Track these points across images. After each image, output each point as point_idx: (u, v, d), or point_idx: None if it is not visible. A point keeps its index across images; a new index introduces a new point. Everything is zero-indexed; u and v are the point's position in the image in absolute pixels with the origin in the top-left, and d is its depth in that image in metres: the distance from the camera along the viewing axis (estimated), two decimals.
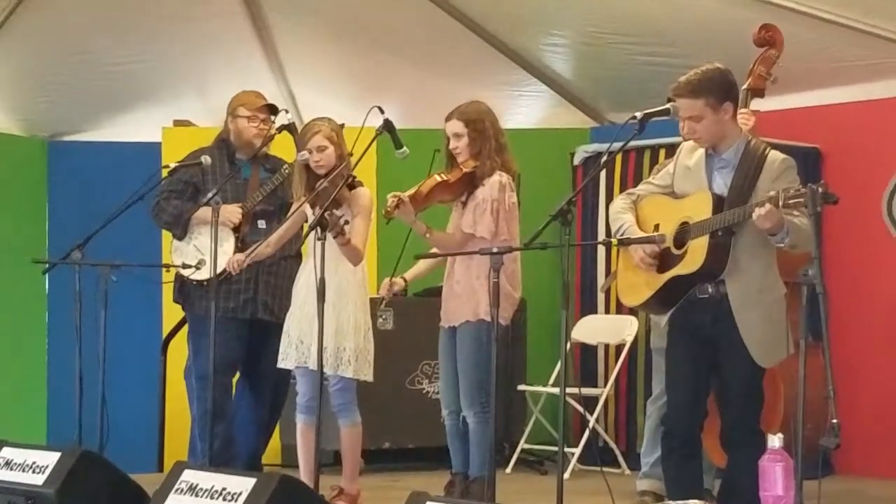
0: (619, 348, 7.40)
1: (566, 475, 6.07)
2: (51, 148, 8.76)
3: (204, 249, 5.99)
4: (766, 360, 4.63)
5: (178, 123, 8.20)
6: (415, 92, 8.33)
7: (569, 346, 5.53)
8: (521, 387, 7.50)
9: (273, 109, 6.35)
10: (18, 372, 8.46)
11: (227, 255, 5.92)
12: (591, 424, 7.05)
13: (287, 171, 6.03)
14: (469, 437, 5.60)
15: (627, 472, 7.09)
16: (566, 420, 7.31)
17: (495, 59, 8.04)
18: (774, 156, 4.61)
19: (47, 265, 6.50)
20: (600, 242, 7.65)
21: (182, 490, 4.47)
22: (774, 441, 3.79)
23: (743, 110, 5.29)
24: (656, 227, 4.75)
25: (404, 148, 5.49)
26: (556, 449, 4.70)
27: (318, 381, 5.09)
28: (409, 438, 7.35)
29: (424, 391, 7.37)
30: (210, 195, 6.02)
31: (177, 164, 6.18)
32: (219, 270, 5.76)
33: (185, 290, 6.26)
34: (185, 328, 6.53)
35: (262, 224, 6.19)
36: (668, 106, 4.69)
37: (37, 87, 8.33)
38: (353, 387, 5.55)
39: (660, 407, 5.60)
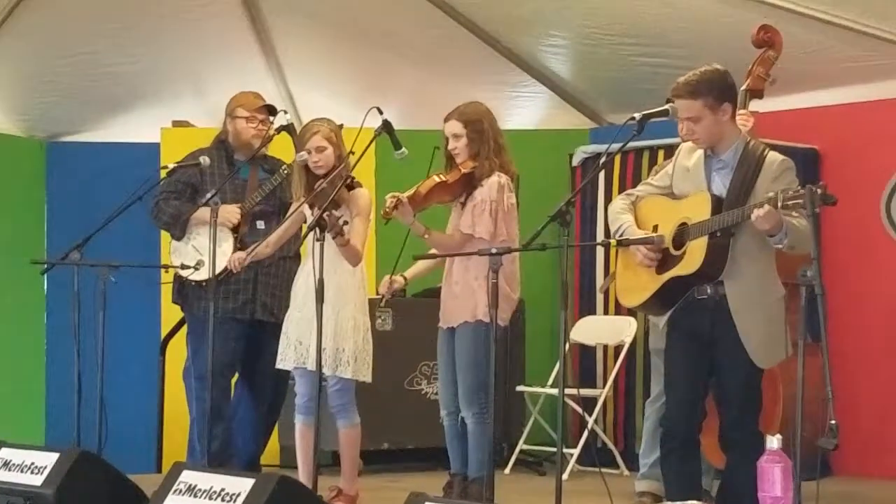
0: (617, 349, 7.40)
1: (565, 476, 6.08)
2: (49, 148, 8.76)
3: (203, 250, 5.99)
4: (764, 361, 4.63)
5: (176, 124, 8.20)
6: (414, 93, 8.33)
7: (567, 346, 5.53)
8: (520, 388, 7.50)
9: (272, 110, 6.35)
10: (17, 372, 8.46)
11: (225, 256, 5.92)
12: (589, 425, 7.04)
13: (286, 171, 6.03)
14: (468, 437, 5.60)
15: (626, 472, 7.09)
16: (565, 421, 7.31)
17: (494, 60, 8.04)
18: (773, 157, 4.62)
19: (46, 266, 6.50)
20: (599, 243, 7.65)
21: (181, 491, 4.46)
22: (773, 442, 3.80)
23: (742, 111, 5.29)
24: (655, 228, 4.76)
25: (403, 149, 5.49)
26: (554, 450, 4.71)
27: (317, 382, 5.09)
28: (407, 439, 7.35)
29: (423, 392, 7.36)
30: (209, 196, 6.03)
31: (175, 165, 6.19)
32: (219, 269, 5.78)
33: (184, 290, 6.26)
34: (184, 329, 6.53)
35: (260, 225, 6.19)
36: (666, 107, 4.70)
37: (35, 87, 8.32)
38: (352, 387, 5.55)
39: (658, 408, 5.59)
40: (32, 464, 4.90)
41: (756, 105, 5.64)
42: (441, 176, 5.65)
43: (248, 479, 4.34)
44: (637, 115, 4.63)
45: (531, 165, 7.13)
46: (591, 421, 7.07)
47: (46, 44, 7.88)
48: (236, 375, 6.36)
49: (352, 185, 5.50)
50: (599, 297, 7.76)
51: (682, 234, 4.64)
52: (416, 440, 7.31)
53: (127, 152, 8.33)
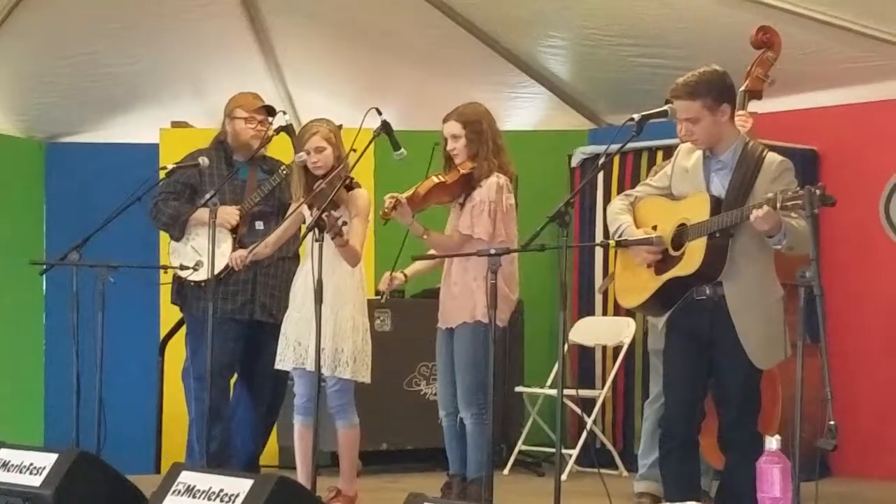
0: (616, 350, 7.40)
1: (563, 477, 6.07)
2: (48, 149, 8.76)
3: (202, 251, 5.99)
4: (763, 362, 4.63)
5: (175, 125, 8.19)
6: (413, 93, 8.33)
7: (566, 347, 5.52)
8: (519, 388, 7.50)
9: (270, 111, 6.34)
10: (16, 373, 8.46)
11: (224, 257, 5.92)
12: (588, 426, 7.04)
13: (285, 171, 6.03)
14: (466, 438, 5.60)
15: (625, 473, 7.09)
16: (563, 422, 7.26)
17: (493, 61, 8.04)
18: (772, 158, 4.62)
19: (45, 266, 6.49)
20: (598, 244, 7.66)
21: (179, 491, 4.47)
22: (772, 443, 3.80)
23: (740, 112, 5.29)
24: (654, 229, 4.76)
25: (402, 149, 5.49)
26: (553, 450, 4.71)
27: (316, 383, 5.09)
28: (406, 440, 7.35)
29: (422, 392, 7.36)
30: (208, 197, 6.02)
31: (174, 166, 6.19)
32: (219, 269, 5.78)
33: (183, 291, 6.26)
34: (183, 329, 6.53)
35: (259, 225, 6.19)
36: (665, 108, 4.70)
37: (35, 88, 8.32)
38: (351, 388, 5.55)
39: (657, 409, 5.59)
40: (31, 464, 4.90)
41: (755, 106, 5.64)
42: (440, 177, 5.65)
43: (246, 479, 4.34)
44: (636, 116, 4.63)
45: (530, 166, 7.14)
46: (589, 422, 7.07)
47: (46, 44, 7.88)
48: (235, 376, 6.36)
49: (351, 186, 5.51)
50: (598, 298, 7.76)
51: (681, 235, 4.64)
52: (415, 441, 7.31)
53: (126, 153, 8.33)
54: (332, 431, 5.64)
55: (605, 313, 7.71)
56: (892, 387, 7.03)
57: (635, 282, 4.82)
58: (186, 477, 4.51)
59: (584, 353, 7.75)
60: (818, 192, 4.05)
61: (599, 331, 7.49)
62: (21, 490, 4.84)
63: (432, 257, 5.71)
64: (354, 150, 5.41)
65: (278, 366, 5.63)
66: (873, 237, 7.22)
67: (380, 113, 5.38)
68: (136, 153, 8.16)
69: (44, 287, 8.42)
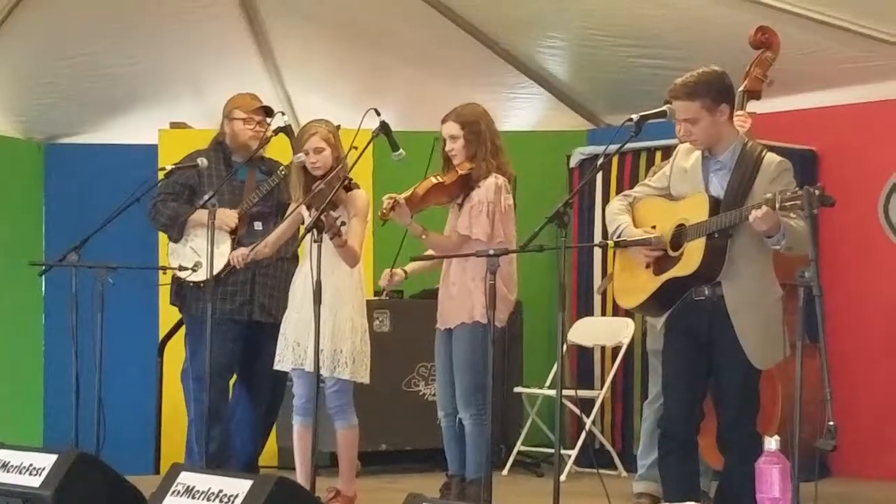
0: (615, 350, 7.40)
1: (562, 477, 6.07)
2: (47, 150, 8.75)
3: (200, 251, 5.99)
4: (762, 362, 4.63)
5: (174, 126, 8.19)
6: (411, 94, 8.33)
7: (565, 348, 5.51)
8: (518, 389, 7.49)
9: (269, 112, 6.34)
10: (15, 374, 8.45)
11: (223, 257, 5.92)
12: (587, 426, 7.04)
13: (283, 172, 6.03)
14: (465, 439, 5.60)
15: (624, 474, 7.08)
16: (562, 422, 7.26)
17: (492, 62, 8.05)
18: (771, 158, 4.62)
19: (44, 267, 6.49)
20: (597, 244, 7.65)
21: (179, 492, 4.47)
22: (771, 443, 3.80)
23: (739, 112, 5.29)
24: (653, 229, 4.76)
25: (400, 150, 5.50)
26: (552, 451, 4.72)
27: (315, 383, 5.09)
28: (405, 440, 7.35)
29: (421, 393, 7.36)
30: (206, 198, 6.02)
31: (173, 167, 6.19)
32: (219, 268, 5.78)
33: (182, 292, 6.26)
34: (182, 330, 6.53)
35: (258, 226, 6.19)
36: (664, 108, 4.70)
37: (34, 89, 8.32)
38: (350, 389, 5.56)
39: (656, 409, 5.60)
40: (31, 465, 4.90)
41: (753, 106, 5.64)
42: (438, 177, 5.65)
43: (246, 480, 4.34)
44: (635, 117, 4.63)
45: (529, 167, 7.14)
46: (588, 422, 7.07)
47: (45, 45, 7.88)
48: (234, 377, 6.36)
49: (349, 187, 5.51)
50: (597, 299, 7.76)
51: (680, 236, 4.64)
52: (414, 441, 7.31)
53: (125, 154, 8.32)
54: (332, 432, 5.65)
55: (603, 314, 7.71)
56: (892, 387, 7.03)
57: (634, 282, 4.83)
58: (185, 477, 4.51)
59: (583, 353, 7.75)
60: (817, 192, 4.05)
61: (598, 331, 7.49)
62: (20, 491, 4.84)
63: (431, 258, 5.70)
64: (356, 148, 5.40)
65: (277, 366, 5.63)
66: (872, 237, 7.22)
67: (378, 114, 5.38)
68: (134, 154, 8.15)
69: (43, 288, 8.41)
